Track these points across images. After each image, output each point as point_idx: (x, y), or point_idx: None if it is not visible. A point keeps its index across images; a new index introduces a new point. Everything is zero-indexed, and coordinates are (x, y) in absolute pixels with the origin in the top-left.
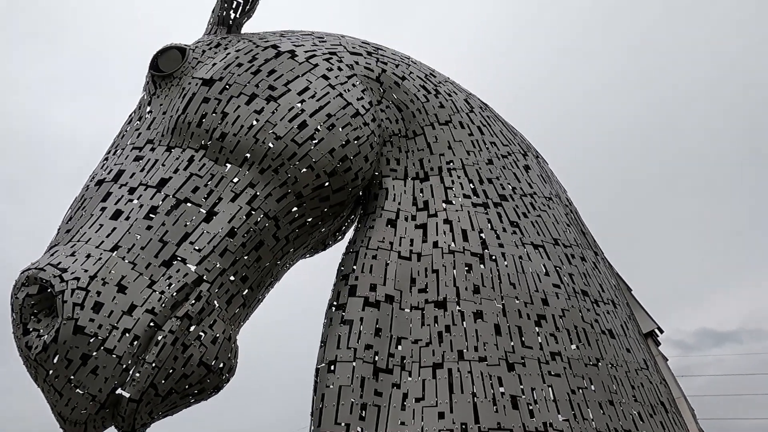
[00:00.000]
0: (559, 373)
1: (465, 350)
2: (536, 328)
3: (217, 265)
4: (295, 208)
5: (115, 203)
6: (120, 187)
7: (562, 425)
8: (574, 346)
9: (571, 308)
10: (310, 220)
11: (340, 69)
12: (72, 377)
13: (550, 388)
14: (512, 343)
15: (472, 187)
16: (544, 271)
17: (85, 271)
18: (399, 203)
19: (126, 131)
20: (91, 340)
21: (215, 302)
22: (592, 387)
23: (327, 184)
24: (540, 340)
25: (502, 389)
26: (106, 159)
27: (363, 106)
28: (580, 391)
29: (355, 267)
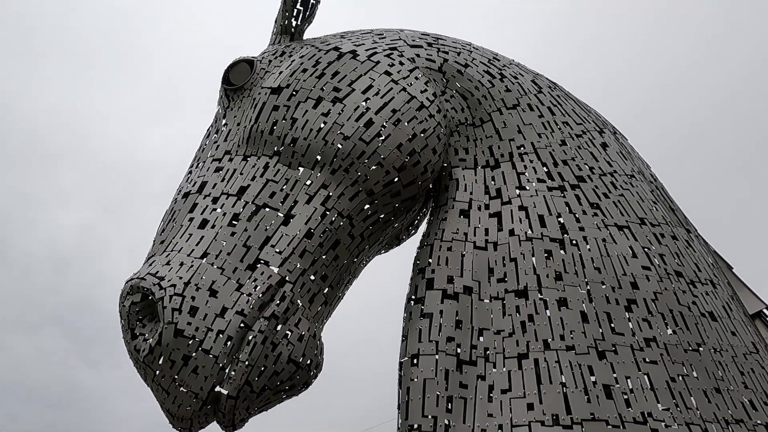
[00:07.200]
0: (656, 360)
1: (550, 339)
2: (627, 314)
3: (298, 266)
4: (367, 206)
5: (201, 213)
6: (204, 198)
7: (663, 415)
8: (670, 331)
9: (665, 291)
10: (382, 216)
11: (401, 63)
12: (176, 377)
13: (646, 376)
14: (601, 331)
15: (546, 170)
16: (631, 253)
17: (180, 278)
18: (471, 193)
19: (205, 144)
20: (190, 342)
21: (299, 301)
22: (695, 374)
23: (397, 179)
24: (632, 326)
25: (593, 378)
26: (190, 172)
27: (427, 98)
28: (681, 378)
29: (430, 260)
